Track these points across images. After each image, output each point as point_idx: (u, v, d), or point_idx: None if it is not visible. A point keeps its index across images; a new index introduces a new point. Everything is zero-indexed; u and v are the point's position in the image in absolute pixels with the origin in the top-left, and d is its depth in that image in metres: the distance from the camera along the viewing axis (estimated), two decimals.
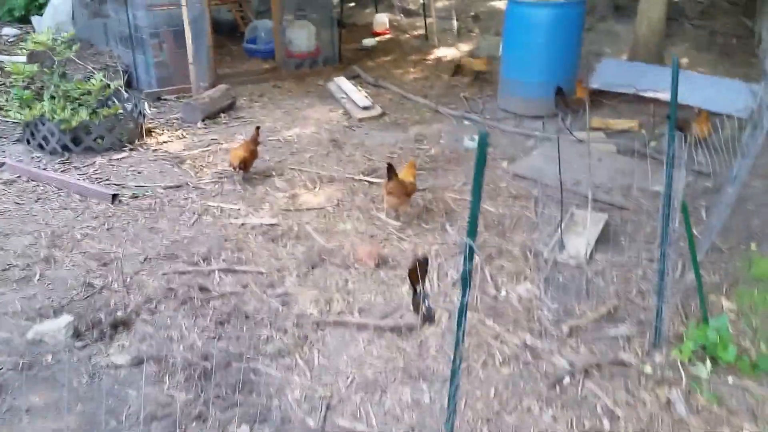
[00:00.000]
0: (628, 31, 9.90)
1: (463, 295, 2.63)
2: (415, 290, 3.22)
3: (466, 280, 2.59)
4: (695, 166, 5.76)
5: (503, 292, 4.17)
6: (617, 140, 6.52)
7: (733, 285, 4.23)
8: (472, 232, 2.53)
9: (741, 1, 10.86)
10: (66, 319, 3.69)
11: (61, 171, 5.85)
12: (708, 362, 3.56)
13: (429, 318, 3.49)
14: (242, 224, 4.97)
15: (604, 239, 4.75)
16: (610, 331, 3.82)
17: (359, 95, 7.64)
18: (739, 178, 4.71)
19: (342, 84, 8.09)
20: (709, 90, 7.16)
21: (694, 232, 4.51)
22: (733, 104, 6.81)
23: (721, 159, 5.53)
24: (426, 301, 3.36)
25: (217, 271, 4.30)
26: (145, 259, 4.46)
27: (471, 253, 2.53)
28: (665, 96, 7.08)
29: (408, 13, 12.59)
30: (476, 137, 6.37)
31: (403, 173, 5.08)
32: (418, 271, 3.37)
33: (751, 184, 5.45)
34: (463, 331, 2.58)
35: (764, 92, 5.45)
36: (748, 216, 5.05)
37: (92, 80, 6.55)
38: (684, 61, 8.85)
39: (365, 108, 7.36)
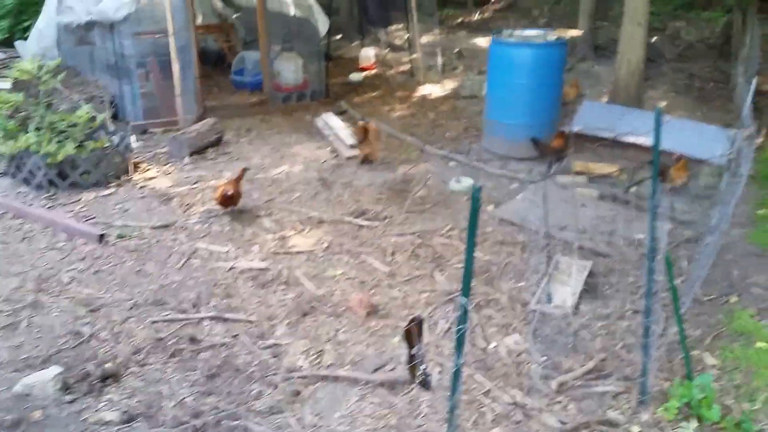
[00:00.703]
0: (608, 71, 10.06)
1: (458, 357, 2.63)
2: (411, 353, 3.20)
3: (460, 341, 2.59)
4: (674, 213, 5.82)
5: (492, 344, 4.17)
6: (599, 185, 6.59)
7: (716, 339, 4.27)
8: (466, 291, 2.54)
9: (717, 44, 11.08)
10: (54, 370, 3.62)
11: (47, 207, 5.78)
12: (693, 421, 3.58)
13: (426, 384, 3.48)
14: (231, 268, 4.94)
15: (589, 288, 4.78)
16: (598, 388, 3.83)
17: (347, 132, 7.65)
18: (719, 228, 4.78)
19: (330, 120, 8.10)
20: (687, 135, 7.25)
21: (677, 282, 4.58)
22: (711, 150, 6.91)
23: (700, 207, 5.62)
24: (422, 366, 3.35)
25: (206, 320, 4.26)
26: (133, 305, 4.40)
27: (465, 313, 2.53)
28: (645, 141, 7.17)
29: (394, 48, 12.68)
30: (462, 180, 6.47)
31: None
32: (414, 333, 3.35)
33: (730, 233, 5.52)
34: (459, 395, 2.58)
35: (741, 139, 5.57)
36: (728, 266, 5.10)
37: (79, 111, 6.48)
38: (663, 104, 8.99)
39: (353, 146, 7.36)
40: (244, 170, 5.97)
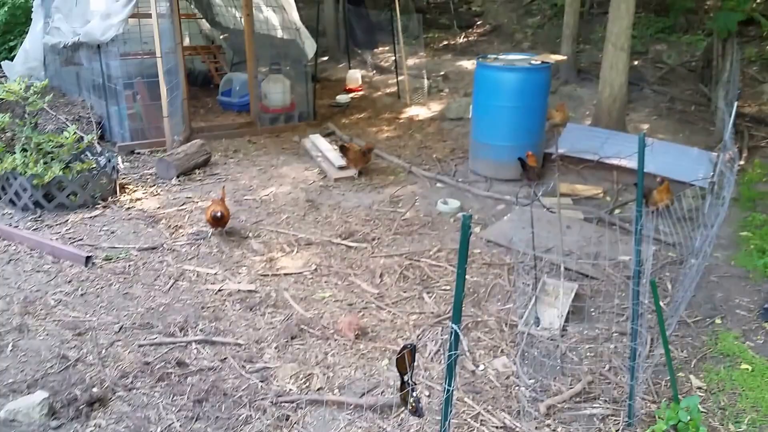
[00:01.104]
0: (591, 94, 10.17)
1: (449, 383, 2.61)
2: (402, 380, 3.18)
3: (451, 367, 2.57)
4: (658, 236, 5.86)
5: (481, 367, 4.16)
6: (584, 207, 6.63)
7: (701, 361, 4.28)
8: (457, 317, 2.53)
9: (698, 68, 11.22)
10: (41, 395, 3.56)
11: (34, 229, 5.72)
12: None
13: (417, 412, 3.45)
14: (219, 290, 4.90)
15: (575, 310, 4.79)
16: (586, 411, 3.83)
17: (335, 154, 7.66)
18: (703, 250, 4.82)
19: (317, 142, 8.11)
20: (670, 158, 7.35)
21: (662, 304, 4.60)
22: (693, 173, 7.01)
23: (683, 229, 5.66)
24: (414, 394, 3.32)
25: (194, 343, 4.22)
26: (120, 329, 4.35)
27: (456, 339, 2.52)
28: (628, 163, 7.25)
29: (380, 70, 12.75)
30: (449, 201, 6.49)
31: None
32: (406, 360, 3.33)
33: (713, 255, 5.57)
34: (450, 421, 2.56)
35: (723, 162, 5.63)
36: (712, 288, 5.14)
37: (65, 132, 6.45)
38: (645, 127, 9.09)
39: (341, 168, 7.37)
40: (223, 188, 5.98)
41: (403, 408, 3.65)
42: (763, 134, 8.76)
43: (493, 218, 6.35)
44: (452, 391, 2.51)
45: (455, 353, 2.40)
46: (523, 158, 6.98)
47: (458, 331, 2.37)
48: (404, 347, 2.95)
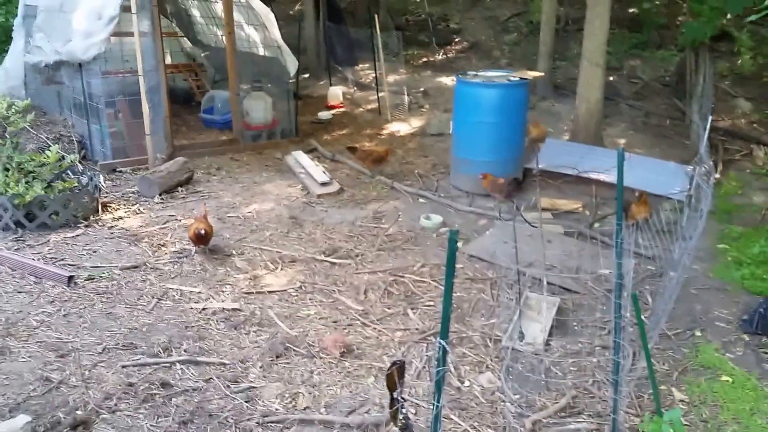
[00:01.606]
0: (568, 109, 10.26)
1: (438, 399, 2.58)
2: (392, 397, 3.14)
3: (440, 384, 2.54)
4: (638, 249, 5.88)
5: (466, 383, 4.13)
6: (564, 221, 6.65)
7: (682, 373, 4.29)
8: (445, 333, 2.50)
9: (672, 83, 11.36)
10: (23, 419, 3.47)
11: (15, 249, 5.62)
12: None
13: (407, 430, 3.41)
14: (203, 309, 4.84)
15: (558, 324, 4.78)
16: (571, 425, 3.81)
17: (317, 170, 7.63)
18: (682, 263, 4.84)
19: (300, 158, 8.08)
20: (647, 172, 7.40)
21: (643, 317, 4.61)
22: (670, 186, 7.05)
23: (662, 242, 5.68)
24: (403, 411, 3.29)
25: (178, 364, 4.14)
26: (103, 350, 4.27)
27: (444, 355, 2.50)
28: (606, 178, 7.29)
29: (361, 86, 12.77)
30: (431, 217, 6.48)
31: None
32: (395, 377, 3.29)
33: (692, 267, 5.60)
34: None
35: (699, 175, 5.67)
36: (691, 300, 5.16)
37: (47, 152, 6.37)
38: (621, 141, 9.17)
39: (324, 184, 7.35)
40: (204, 204, 5.92)
41: (392, 425, 3.61)
42: (736, 147, 8.88)
43: (475, 233, 6.34)
44: (441, 407, 2.48)
45: (443, 369, 2.38)
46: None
47: (446, 346, 2.35)
48: (393, 363, 2.91)
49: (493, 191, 6.86)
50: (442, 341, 2.34)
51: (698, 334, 4.72)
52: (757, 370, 4.27)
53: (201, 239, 5.54)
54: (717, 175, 7.52)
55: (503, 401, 3.94)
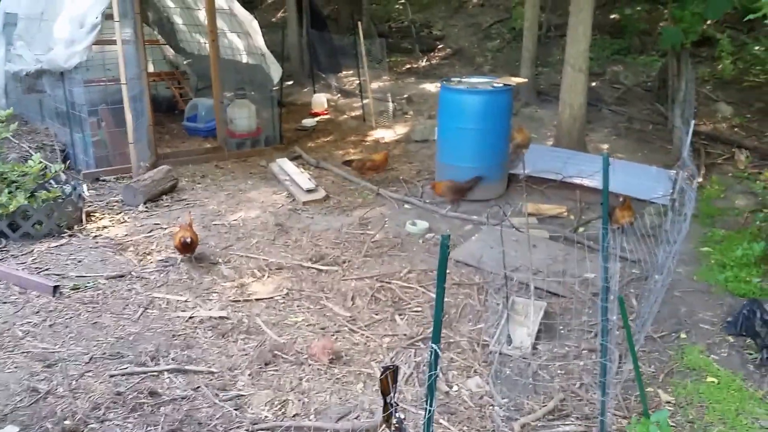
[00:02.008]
0: (551, 115, 10.35)
1: (430, 403, 2.61)
2: (386, 402, 3.16)
3: (432, 387, 2.57)
4: (623, 253, 5.94)
5: (455, 388, 4.16)
6: (549, 226, 6.71)
7: (669, 375, 4.35)
8: (437, 336, 2.53)
9: (653, 88, 11.49)
10: (11, 429, 3.48)
11: None
12: None
13: None
14: (190, 317, 4.84)
15: (545, 328, 4.82)
16: (559, 428, 3.86)
17: (303, 177, 7.65)
18: (666, 266, 4.91)
19: (285, 165, 8.09)
20: (630, 177, 7.49)
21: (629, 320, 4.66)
22: (654, 191, 7.15)
23: (646, 245, 5.76)
24: (397, 414, 3.31)
25: (166, 372, 4.14)
26: (90, 359, 4.26)
27: (436, 359, 2.52)
28: (590, 183, 7.38)
29: (345, 93, 12.80)
30: (417, 222, 6.52)
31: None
32: (388, 381, 3.31)
33: (676, 271, 5.67)
34: None
35: (682, 179, 5.75)
36: (675, 303, 5.23)
37: (30, 162, 6.34)
38: (604, 146, 9.26)
39: (309, 191, 7.37)
40: (189, 212, 5.91)
41: (384, 429, 3.63)
42: (719, 151, 9.00)
43: (461, 239, 6.39)
44: (433, 411, 2.51)
45: (435, 373, 2.41)
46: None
47: (438, 350, 2.38)
48: (387, 368, 2.94)
49: (444, 195, 6.99)
50: (434, 345, 2.37)
51: (683, 336, 4.78)
52: (742, 371, 4.33)
53: (186, 248, 5.54)
54: (700, 179, 7.63)
55: (492, 405, 3.98)
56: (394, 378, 2.90)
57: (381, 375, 2.89)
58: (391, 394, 2.91)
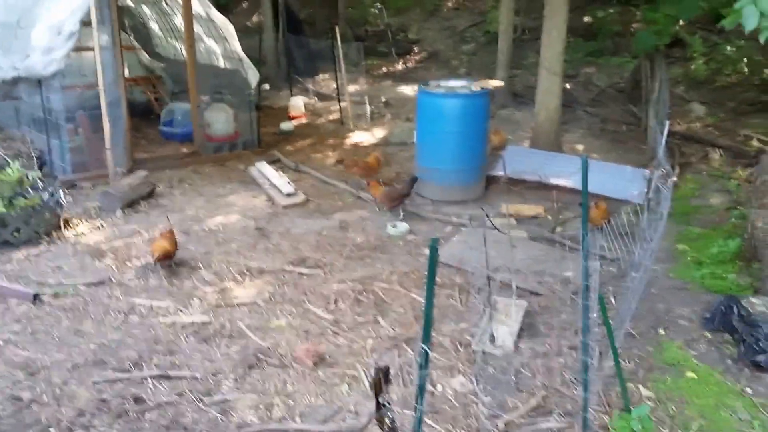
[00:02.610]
0: (527, 117, 10.45)
1: (420, 403, 2.63)
2: (378, 403, 3.17)
3: (422, 387, 2.60)
4: (600, 252, 6.02)
5: (438, 387, 4.19)
6: (527, 226, 6.78)
7: (648, 371, 4.41)
8: (427, 337, 2.56)
9: (627, 89, 11.65)
10: None
11: None
12: None
13: None
14: (172, 323, 4.82)
15: (526, 327, 4.88)
16: (542, 425, 3.90)
17: (282, 181, 7.66)
18: (643, 264, 4.98)
19: (264, 169, 8.09)
20: (606, 177, 7.58)
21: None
22: (629, 190, 7.25)
23: (622, 244, 5.85)
24: (390, 416, 3.33)
25: (150, 378, 4.13)
26: (73, 367, 4.22)
27: (426, 358, 2.55)
28: (567, 183, 7.46)
29: (322, 97, 12.82)
30: (398, 225, 6.54)
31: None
32: (380, 382, 3.33)
33: (652, 268, 5.75)
34: None
35: (657, 178, 5.85)
36: (653, 300, 5.31)
37: (9, 169, 6.27)
38: (579, 147, 9.38)
39: (289, 195, 7.37)
40: (168, 218, 5.88)
41: (376, 430, 3.65)
42: (692, 151, 9.15)
43: (442, 240, 6.42)
44: (422, 410, 2.53)
45: (426, 372, 2.44)
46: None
47: (429, 350, 2.41)
48: (378, 369, 2.96)
49: (383, 203, 7.03)
50: (424, 345, 2.40)
51: (662, 332, 4.85)
52: (721, 366, 4.41)
53: (165, 257, 5.51)
54: (675, 178, 7.75)
55: (476, 403, 4.02)
56: (386, 378, 2.93)
57: (374, 375, 2.91)
58: (384, 395, 2.94)
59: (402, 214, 6.95)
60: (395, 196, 7.01)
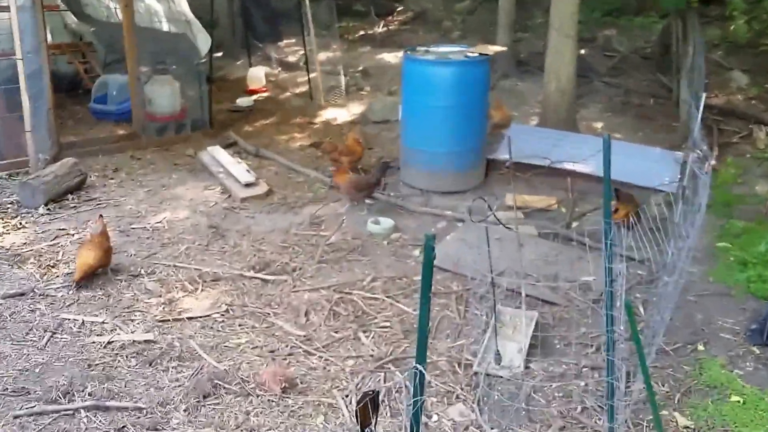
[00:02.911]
0: (533, 89, 10.48)
1: None
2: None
3: (418, 416, 2.56)
4: (624, 250, 6.02)
5: (434, 417, 4.18)
6: (537, 221, 6.77)
7: (685, 395, 4.41)
8: (422, 357, 2.53)
9: (654, 55, 11.69)
10: None
11: None
12: None
13: None
14: (109, 342, 4.77)
15: (537, 343, 4.87)
16: None
17: (240, 169, 7.62)
18: (679, 266, 4.99)
19: (217, 155, 8.05)
20: (630, 161, 7.56)
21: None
22: (658, 177, 7.26)
23: (652, 242, 5.86)
24: None
25: (83, 411, 4.07)
26: None
27: (422, 382, 2.52)
28: (583, 168, 7.46)
29: (287, 66, 12.77)
30: (380, 220, 6.52)
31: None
32: (368, 409, 3.31)
33: (689, 271, 5.77)
34: None
35: (693, 162, 5.86)
36: (690, 309, 5.32)
37: None
38: (597, 125, 9.41)
39: (248, 185, 7.35)
40: (101, 217, 5.81)
41: None
42: (734, 128, 9.19)
43: (435, 239, 6.39)
44: None
45: (421, 399, 2.41)
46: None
47: (424, 372, 2.38)
48: (365, 394, 2.93)
49: (348, 194, 7.05)
50: (419, 366, 2.37)
51: (701, 348, 4.86)
52: None
53: (90, 276, 5.46)
54: (713, 162, 7.78)
55: None
56: (374, 406, 2.90)
57: (359, 403, 2.89)
58: (372, 424, 2.91)
59: (366, 210, 6.95)
60: (362, 185, 7.00)
